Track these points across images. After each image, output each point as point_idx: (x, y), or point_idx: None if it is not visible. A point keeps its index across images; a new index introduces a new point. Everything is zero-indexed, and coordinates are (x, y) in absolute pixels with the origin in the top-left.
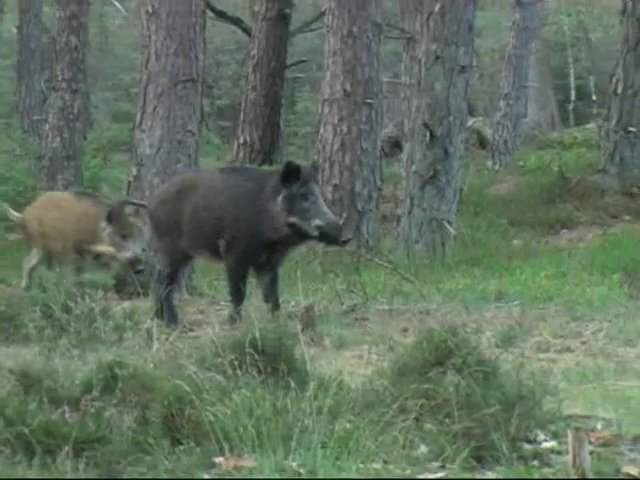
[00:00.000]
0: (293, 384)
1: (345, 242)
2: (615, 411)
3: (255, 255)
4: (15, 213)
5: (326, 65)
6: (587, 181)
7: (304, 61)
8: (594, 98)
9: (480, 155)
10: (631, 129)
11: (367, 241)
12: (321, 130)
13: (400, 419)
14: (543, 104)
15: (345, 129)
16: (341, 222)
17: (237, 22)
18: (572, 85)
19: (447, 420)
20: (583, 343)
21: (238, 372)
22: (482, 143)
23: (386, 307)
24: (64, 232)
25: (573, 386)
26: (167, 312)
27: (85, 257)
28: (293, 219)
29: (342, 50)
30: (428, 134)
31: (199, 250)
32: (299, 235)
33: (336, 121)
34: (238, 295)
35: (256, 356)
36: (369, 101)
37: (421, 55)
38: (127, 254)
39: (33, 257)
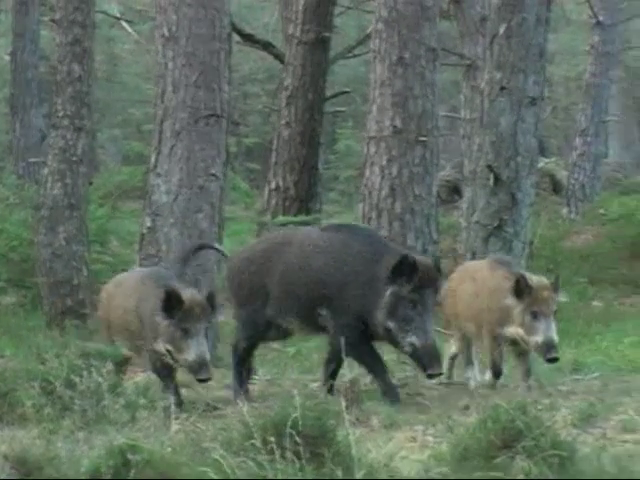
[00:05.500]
0: (338, 472)
1: (432, 376)
2: None
3: (365, 332)
4: None
5: (372, 97)
6: None
7: (346, 92)
8: None
9: (554, 202)
10: None
11: None
12: (367, 173)
13: None
14: (627, 142)
15: (395, 172)
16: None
17: (268, 47)
18: None
19: None
20: None
21: (273, 457)
22: (556, 188)
23: (444, 380)
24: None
25: None
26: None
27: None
28: (391, 324)
29: (391, 79)
30: (492, 177)
31: (288, 318)
32: (390, 343)
33: (384, 162)
34: (377, 365)
35: (294, 438)
36: (423, 139)
37: (483, 85)
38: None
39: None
